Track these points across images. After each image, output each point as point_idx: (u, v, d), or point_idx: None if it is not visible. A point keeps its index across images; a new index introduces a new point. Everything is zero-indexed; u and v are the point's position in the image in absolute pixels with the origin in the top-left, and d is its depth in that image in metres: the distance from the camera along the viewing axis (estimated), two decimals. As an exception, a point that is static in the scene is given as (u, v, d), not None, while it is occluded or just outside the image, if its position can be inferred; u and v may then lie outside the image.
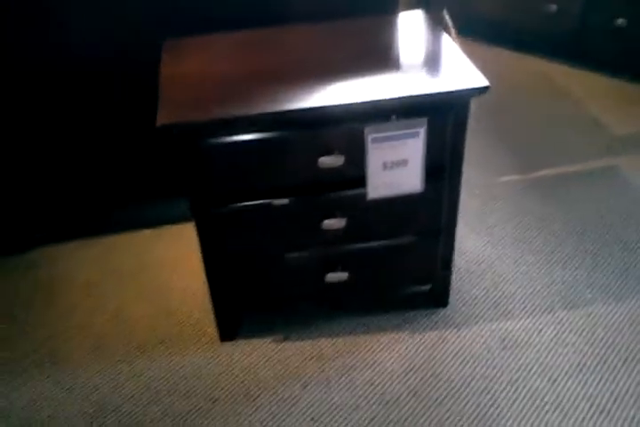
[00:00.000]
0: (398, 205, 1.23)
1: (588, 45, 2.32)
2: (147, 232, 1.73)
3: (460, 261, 1.58)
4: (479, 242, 1.65)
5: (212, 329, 1.43)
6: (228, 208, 1.20)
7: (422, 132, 1.13)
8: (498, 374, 1.30)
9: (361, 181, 1.17)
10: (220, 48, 1.32)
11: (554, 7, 2.31)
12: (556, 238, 1.65)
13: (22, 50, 1.39)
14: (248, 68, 1.22)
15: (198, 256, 1.27)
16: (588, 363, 1.32)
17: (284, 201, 1.19)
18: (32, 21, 1.35)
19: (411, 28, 1.36)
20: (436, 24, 1.36)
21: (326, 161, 1.13)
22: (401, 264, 1.36)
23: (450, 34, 1.53)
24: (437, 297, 1.46)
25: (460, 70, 1.16)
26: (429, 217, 1.27)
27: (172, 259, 1.64)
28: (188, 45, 1.33)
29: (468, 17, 2.53)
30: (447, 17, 1.56)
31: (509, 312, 1.45)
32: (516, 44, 2.54)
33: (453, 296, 1.49)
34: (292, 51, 1.29)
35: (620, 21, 2.18)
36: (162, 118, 1.07)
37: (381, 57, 1.24)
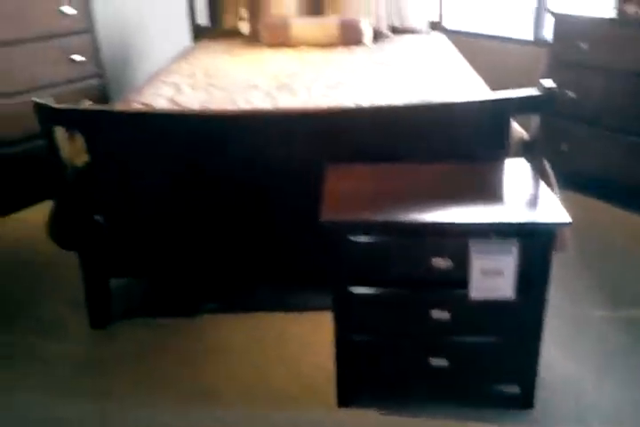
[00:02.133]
0: (494, 308, 1.55)
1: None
2: (290, 314, 2.12)
3: (547, 373, 1.78)
4: (566, 361, 1.87)
5: (332, 395, 1.74)
6: (359, 291, 1.58)
7: (515, 250, 1.48)
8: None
9: (464, 282, 1.52)
10: (368, 173, 1.78)
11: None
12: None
13: (223, 169, 1.89)
14: (386, 190, 1.67)
15: (330, 338, 1.63)
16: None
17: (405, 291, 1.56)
18: (223, 149, 1.85)
19: (514, 173, 1.76)
20: (536, 171, 1.75)
21: (438, 263, 1.51)
22: (492, 361, 1.64)
23: (548, 181, 1.90)
24: (524, 399, 1.69)
25: (548, 208, 1.53)
26: (519, 322, 1.57)
27: (308, 337, 2.01)
28: (345, 169, 1.80)
29: (570, 170, 2.89)
30: (547, 166, 1.95)
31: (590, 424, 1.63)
32: (618, 199, 2.82)
33: (539, 402, 1.69)
34: (419, 180, 1.73)
35: None
36: (324, 216, 1.52)
37: (488, 192, 1.65)
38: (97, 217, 1.99)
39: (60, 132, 1.84)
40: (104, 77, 3.24)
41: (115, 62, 3.60)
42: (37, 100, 1.76)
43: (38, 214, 2.72)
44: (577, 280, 2.31)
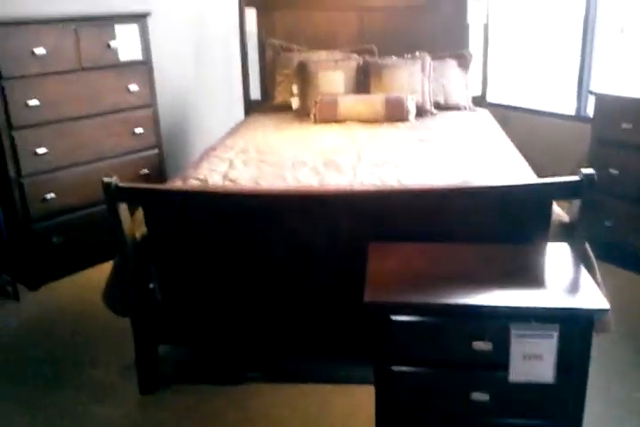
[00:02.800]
0: (534, 391, 1.56)
1: None
2: (333, 386, 2.15)
3: None
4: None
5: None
6: (400, 369, 1.62)
7: (555, 335, 1.50)
8: None
9: (504, 365, 1.54)
10: (410, 253, 1.85)
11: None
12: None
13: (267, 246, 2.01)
14: (429, 270, 1.73)
15: (371, 412, 1.66)
16: None
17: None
18: (272, 225, 1.94)
19: (555, 256, 1.80)
20: (577, 255, 1.79)
21: (479, 345, 1.54)
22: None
23: (590, 264, 1.93)
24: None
25: (588, 293, 1.56)
26: (559, 405, 1.57)
27: (349, 410, 2.04)
28: (388, 249, 1.87)
29: (614, 245, 2.92)
30: (589, 250, 1.98)
31: None
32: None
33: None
34: (461, 261, 1.78)
35: None
36: (367, 297, 1.58)
37: (529, 275, 1.69)
38: (151, 286, 2.10)
39: (123, 207, 1.99)
40: (161, 148, 3.45)
41: (171, 134, 3.84)
42: (105, 179, 1.92)
43: (95, 277, 2.88)
44: (620, 360, 2.28)
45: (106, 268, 2.76)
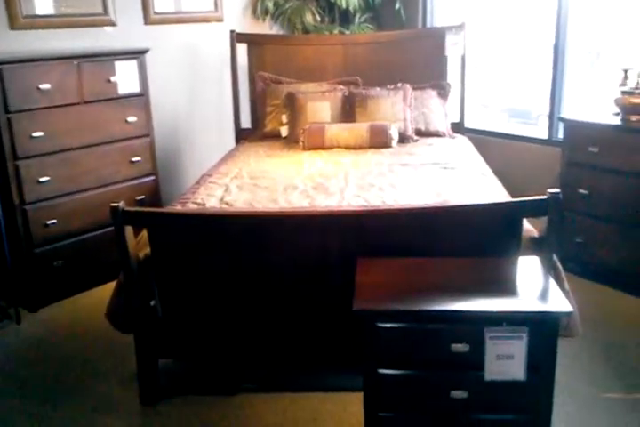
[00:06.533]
0: (507, 388, 1.72)
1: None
2: (323, 395, 2.29)
3: None
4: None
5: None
6: (387, 372, 1.77)
7: (525, 336, 1.67)
8: None
9: (480, 365, 1.70)
10: (394, 267, 2.01)
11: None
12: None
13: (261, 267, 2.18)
14: (411, 281, 1.90)
15: (360, 417, 1.80)
16: None
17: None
18: (266, 244, 2.11)
19: (526, 268, 1.98)
20: (546, 267, 1.97)
21: (457, 347, 1.70)
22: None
23: (558, 275, 2.11)
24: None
25: (553, 299, 1.73)
26: (530, 401, 1.73)
27: (339, 416, 2.18)
28: (374, 263, 2.04)
29: (584, 260, 3.13)
30: (557, 262, 2.16)
31: None
32: (628, 287, 3.00)
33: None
34: (440, 273, 1.96)
35: None
36: (356, 306, 1.75)
37: (501, 285, 1.86)
38: (152, 303, 2.25)
39: (128, 229, 2.14)
40: (157, 175, 3.62)
41: (166, 161, 4.01)
42: (113, 204, 2.08)
43: (98, 297, 3.02)
44: (591, 364, 2.45)
45: (105, 289, 2.91)
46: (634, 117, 3.03)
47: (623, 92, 3.07)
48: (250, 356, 2.30)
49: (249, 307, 2.19)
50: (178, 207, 2.56)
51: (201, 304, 2.22)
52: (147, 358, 2.28)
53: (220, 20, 4.23)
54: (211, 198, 2.64)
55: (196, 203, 2.59)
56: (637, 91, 3.03)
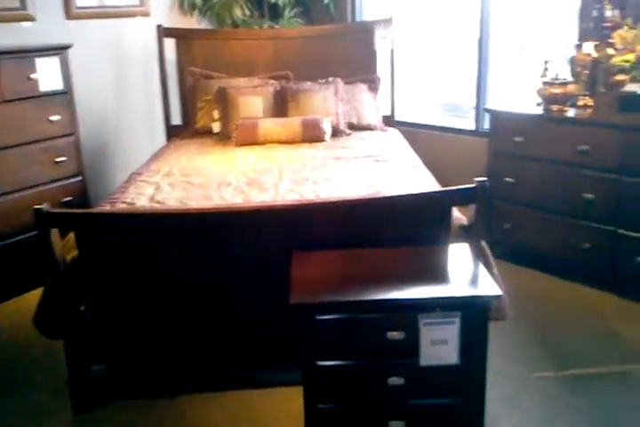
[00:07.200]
0: (443, 372, 1.76)
1: (618, 276, 2.90)
2: (263, 391, 2.27)
3: None
4: (511, 417, 2.09)
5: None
6: (325, 364, 1.78)
7: (457, 321, 1.72)
8: None
9: (416, 351, 1.74)
10: (329, 259, 2.03)
11: (587, 245, 2.97)
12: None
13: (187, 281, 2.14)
14: (346, 273, 1.91)
15: (300, 410, 1.81)
16: None
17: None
18: (200, 241, 2.07)
19: (456, 255, 2.03)
20: (475, 253, 2.03)
21: (392, 335, 1.73)
22: (445, 421, 1.83)
23: (487, 260, 2.18)
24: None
25: (483, 283, 1.79)
26: (465, 384, 1.78)
27: (279, 410, 2.18)
28: (309, 256, 2.04)
29: (512, 245, 3.26)
30: (486, 248, 2.23)
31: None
32: (553, 270, 3.15)
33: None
34: (375, 264, 1.98)
35: None
36: (293, 300, 1.75)
37: (433, 272, 1.91)
38: (82, 308, 2.17)
39: (54, 232, 2.06)
40: (84, 175, 3.50)
41: (93, 161, 3.88)
42: (36, 206, 1.99)
43: (25, 304, 2.90)
44: (520, 345, 2.55)
45: (33, 295, 2.79)
46: (555, 107, 3.16)
47: (544, 83, 3.19)
48: (186, 357, 2.26)
49: (183, 307, 2.15)
50: (106, 207, 2.48)
51: (133, 307, 2.16)
52: (78, 365, 2.20)
53: (146, 14, 4.12)
54: (141, 197, 2.58)
55: (125, 202, 2.52)
56: (557, 81, 3.16)
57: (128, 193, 2.66)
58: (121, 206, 2.48)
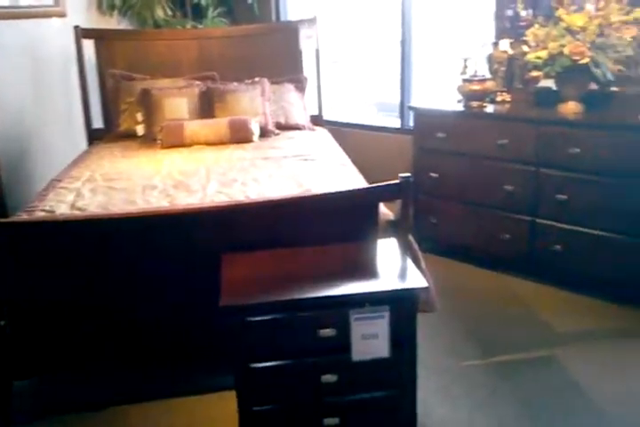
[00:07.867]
0: (375, 367, 1.78)
1: (537, 264, 3.03)
2: (197, 397, 2.24)
3: (426, 419, 2.05)
4: (442, 407, 2.16)
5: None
6: (258, 366, 1.77)
7: (386, 315, 1.74)
8: None
9: (348, 347, 1.75)
10: (259, 260, 2.01)
11: (507, 236, 3.08)
12: (506, 411, 2.13)
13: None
14: (276, 273, 1.91)
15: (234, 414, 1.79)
16: None
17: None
18: (122, 248, 2.01)
19: (384, 250, 2.06)
20: (402, 247, 2.06)
21: (324, 332, 1.74)
22: (378, 415, 1.85)
23: (414, 254, 2.22)
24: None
25: (410, 277, 1.82)
26: (396, 376, 1.81)
27: (215, 415, 2.15)
28: (239, 258, 2.02)
29: (439, 239, 3.35)
30: (413, 242, 2.27)
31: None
32: (478, 261, 3.27)
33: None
34: (304, 262, 1.98)
35: (557, 247, 2.91)
36: (223, 302, 1.72)
37: (362, 268, 1.93)
38: (1, 323, 2.06)
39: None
40: (1, 184, 3.34)
41: (10, 169, 3.70)
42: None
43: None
44: (449, 335, 2.63)
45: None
46: (474, 103, 3.26)
47: (464, 80, 3.29)
48: (113, 367, 2.19)
49: (107, 317, 2.09)
50: (24, 216, 2.37)
51: (56, 319, 2.07)
52: (-1, 381, 2.10)
53: (62, 15, 3.97)
54: (61, 205, 2.48)
55: (44, 210, 2.41)
56: (475, 78, 3.26)
57: (47, 201, 2.55)
58: (39, 215, 2.37)
